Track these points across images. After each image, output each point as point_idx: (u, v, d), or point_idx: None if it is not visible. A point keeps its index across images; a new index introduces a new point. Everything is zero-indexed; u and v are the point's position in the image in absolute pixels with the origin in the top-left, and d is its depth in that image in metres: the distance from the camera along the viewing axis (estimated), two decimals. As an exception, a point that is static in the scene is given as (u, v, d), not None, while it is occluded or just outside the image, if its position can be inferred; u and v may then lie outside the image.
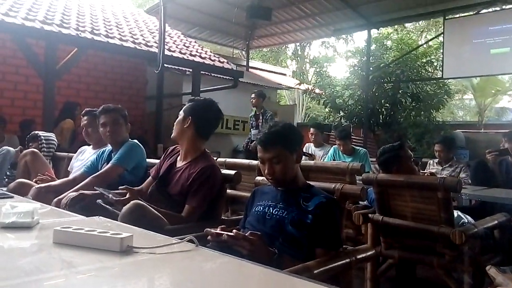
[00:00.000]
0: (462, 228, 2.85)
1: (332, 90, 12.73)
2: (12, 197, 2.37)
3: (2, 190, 2.85)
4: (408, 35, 15.93)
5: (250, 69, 15.06)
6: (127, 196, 2.58)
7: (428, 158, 5.95)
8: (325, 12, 11.68)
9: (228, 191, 3.69)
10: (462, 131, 10.52)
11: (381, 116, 11.98)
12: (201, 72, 9.26)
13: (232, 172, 2.93)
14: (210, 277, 1.24)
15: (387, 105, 11.84)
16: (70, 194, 2.85)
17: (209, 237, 1.78)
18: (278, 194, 2.16)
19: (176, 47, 9.44)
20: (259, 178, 2.65)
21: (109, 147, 3.53)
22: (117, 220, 2.13)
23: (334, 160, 5.90)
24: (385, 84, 11.82)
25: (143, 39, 8.63)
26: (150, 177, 3.04)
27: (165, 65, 8.03)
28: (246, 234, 1.78)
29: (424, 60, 11.83)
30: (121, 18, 9.88)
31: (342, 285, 2.04)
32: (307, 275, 1.66)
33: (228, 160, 4.64)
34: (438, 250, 2.96)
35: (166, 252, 1.36)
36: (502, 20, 9.40)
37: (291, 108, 17.45)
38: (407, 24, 18.57)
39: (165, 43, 7.98)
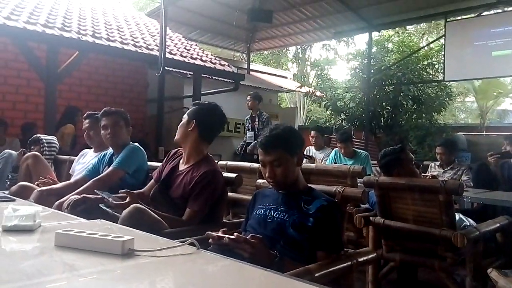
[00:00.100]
0: (463, 231, 2.85)
1: (333, 92, 12.74)
2: (14, 200, 2.38)
3: (4, 193, 2.86)
4: (409, 38, 15.95)
5: (251, 72, 15.08)
6: (127, 200, 2.58)
7: (430, 161, 5.94)
8: (326, 15, 11.69)
9: (229, 194, 3.68)
10: (463, 134, 10.50)
11: (382, 118, 11.99)
12: (202, 75, 9.27)
13: (233, 175, 2.93)
14: (211, 280, 1.25)
15: (389, 107, 11.85)
16: (73, 197, 2.86)
17: (210, 240, 1.78)
18: (279, 197, 2.16)
19: (177, 50, 9.46)
20: (260, 181, 2.65)
21: (110, 150, 3.53)
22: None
23: (335, 163, 5.89)
24: (386, 87, 11.83)
25: (144, 42, 8.64)
26: (152, 180, 3.04)
27: (166, 68, 8.04)
28: (247, 237, 1.78)
29: (426, 63, 11.84)
30: (122, 21, 9.90)
31: (344, 288, 2.04)
32: (308, 278, 1.66)
33: (229, 163, 4.63)
34: (440, 253, 2.95)
35: (168, 255, 1.36)
36: (504, 22, 9.39)
37: (292, 111, 17.46)
38: (408, 27, 18.56)
39: (166, 46, 7.99)
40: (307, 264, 1.86)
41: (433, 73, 12.01)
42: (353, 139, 7.30)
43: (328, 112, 13.49)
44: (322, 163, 6.22)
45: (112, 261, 1.27)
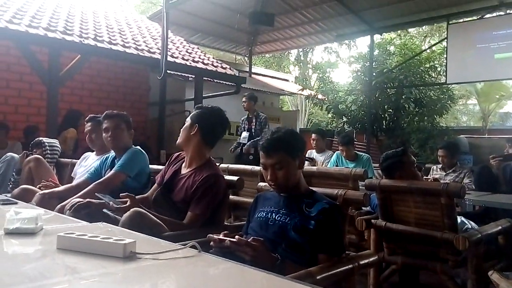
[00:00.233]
0: (465, 233, 2.84)
1: (335, 95, 12.74)
2: (16, 203, 2.38)
3: (6, 196, 2.86)
4: (411, 40, 15.96)
5: (252, 75, 15.09)
6: (128, 203, 2.58)
7: (432, 164, 5.93)
8: (328, 18, 11.71)
9: (231, 197, 3.69)
10: (465, 137, 10.48)
11: (384, 121, 11.98)
12: (204, 78, 9.28)
13: (235, 178, 2.93)
14: (213, 282, 1.25)
15: (390, 110, 11.85)
16: (76, 199, 2.85)
17: (212, 243, 1.78)
18: (281, 200, 2.16)
19: (179, 53, 9.47)
20: (261, 184, 2.65)
21: (112, 154, 3.53)
22: (118, 227, 2.13)
23: (337, 165, 5.90)
24: (388, 90, 11.83)
25: (146, 46, 8.66)
26: (155, 184, 3.04)
27: (168, 71, 8.05)
28: (249, 240, 1.78)
29: (428, 65, 11.82)
30: (124, 24, 9.92)
31: (345, 291, 2.04)
32: (309, 281, 1.66)
33: (231, 166, 4.64)
34: (442, 256, 2.95)
35: (169, 258, 1.36)
36: (506, 25, 9.40)
37: (294, 113, 17.46)
38: (410, 29, 18.59)
39: (168, 49, 8.01)
40: (309, 267, 1.86)
41: (435, 76, 12.00)
42: (355, 142, 7.31)
43: (330, 115, 13.49)
44: (323, 166, 6.23)
45: (114, 264, 1.27)
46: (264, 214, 2.16)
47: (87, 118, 3.96)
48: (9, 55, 8.09)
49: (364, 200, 2.23)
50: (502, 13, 9.92)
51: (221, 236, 1.79)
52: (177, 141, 2.87)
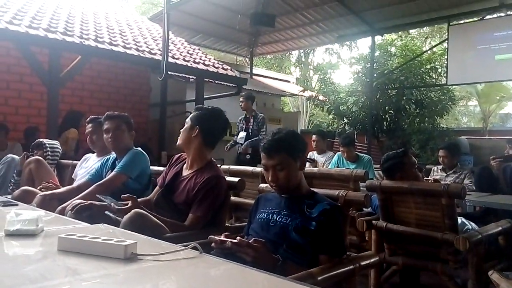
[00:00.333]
0: (466, 234, 2.84)
1: (336, 96, 12.76)
2: (16, 204, 2.38)
3: (6, 197, 2.86)
4: (412, 42, 15.96)
5: (253, 76, 15.11)
6: (129, 204, 2.58)
7: (432, 165, 5.94)
8: (329, 19, 11.72)
9: (232, 198, 3.68)
10: (466, 138, 10.51)
11: (385, 122, 11.99)
12: (205, 79, 9.27)
13: (236, 179, 2.93)
14: (214, 284, 1.25)
15: (391, 111, 11.85)
16: (77, 201, 2.85)
17: (213, 244, 1.78)
18: (282, 201, 2.16)
19: (180, 54, 9.47)
20: (262, 185, 2.65)
21: (113, 155, 3.52)
22: (119, 228, 2.13)
23: (338, 167, 5.89)
24: (389, 91, 11.83)
25: (147, 47, 8.65)
26: (157, 187, 3.03)
27: (169, 72, 8.03)
28: (250, 241, 1.78)
29: (428, 67, 11.85)
30: (124, 25, 9.92)
31: (346, 292, 2.04)
32: (310, 282, 1.66)
33: (232, 167, 4.64)
34: (442, 256, 2.95)
35: (170, 259, 1.36)
36: (506, 26, 9.41)
37: (295, 115, 17.48)
38: (411, 31, 18.59)
39: (169, 50, 8.00)
40: (310, 268, 1.86)
41: (436, 77, 12.02)
42: (356, 143, 7.29)
43: (331, 116, 13.50)
44: (324, 167, 6.22)
45: (115, 265, 1.27)
46: (265, 215, 2.16)
47: (88, 119, 3.95)
48: (9, 56, 8.09)
49: (365, 201, 2.23)
50: (502, 14, 9.94)
51: (222, 237, 1.79)
52: (177, 142, 2.87)
